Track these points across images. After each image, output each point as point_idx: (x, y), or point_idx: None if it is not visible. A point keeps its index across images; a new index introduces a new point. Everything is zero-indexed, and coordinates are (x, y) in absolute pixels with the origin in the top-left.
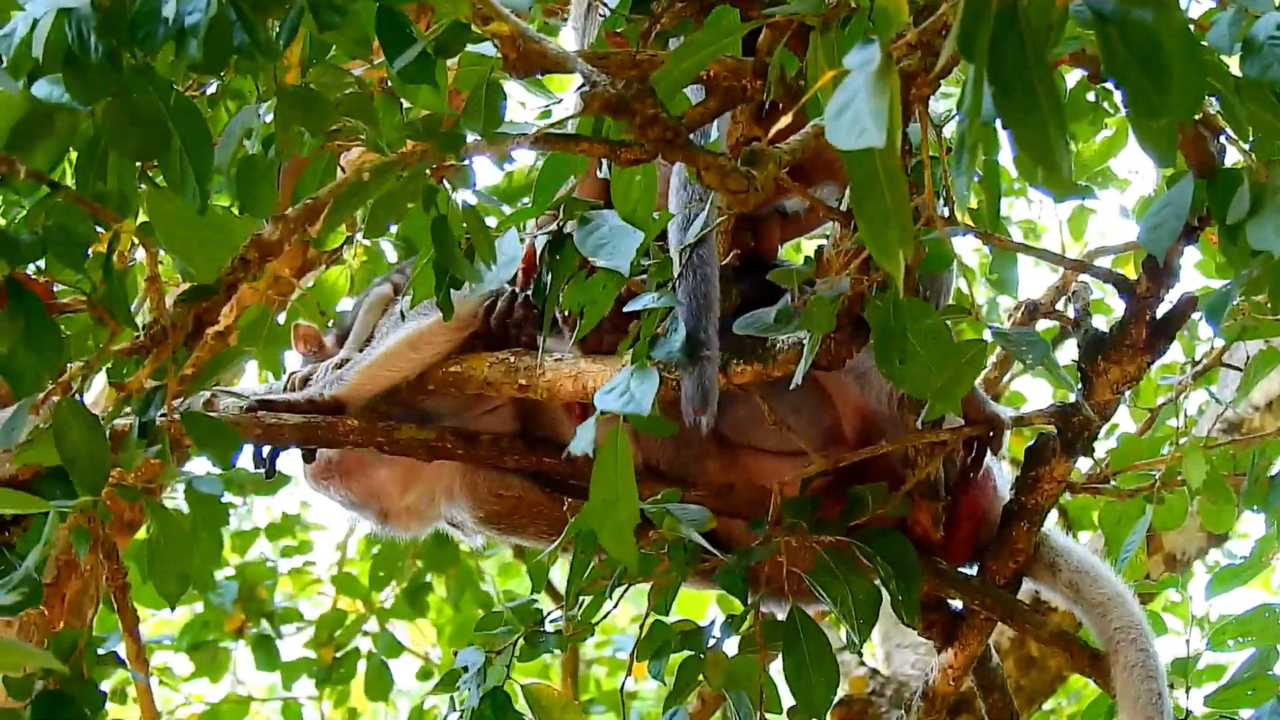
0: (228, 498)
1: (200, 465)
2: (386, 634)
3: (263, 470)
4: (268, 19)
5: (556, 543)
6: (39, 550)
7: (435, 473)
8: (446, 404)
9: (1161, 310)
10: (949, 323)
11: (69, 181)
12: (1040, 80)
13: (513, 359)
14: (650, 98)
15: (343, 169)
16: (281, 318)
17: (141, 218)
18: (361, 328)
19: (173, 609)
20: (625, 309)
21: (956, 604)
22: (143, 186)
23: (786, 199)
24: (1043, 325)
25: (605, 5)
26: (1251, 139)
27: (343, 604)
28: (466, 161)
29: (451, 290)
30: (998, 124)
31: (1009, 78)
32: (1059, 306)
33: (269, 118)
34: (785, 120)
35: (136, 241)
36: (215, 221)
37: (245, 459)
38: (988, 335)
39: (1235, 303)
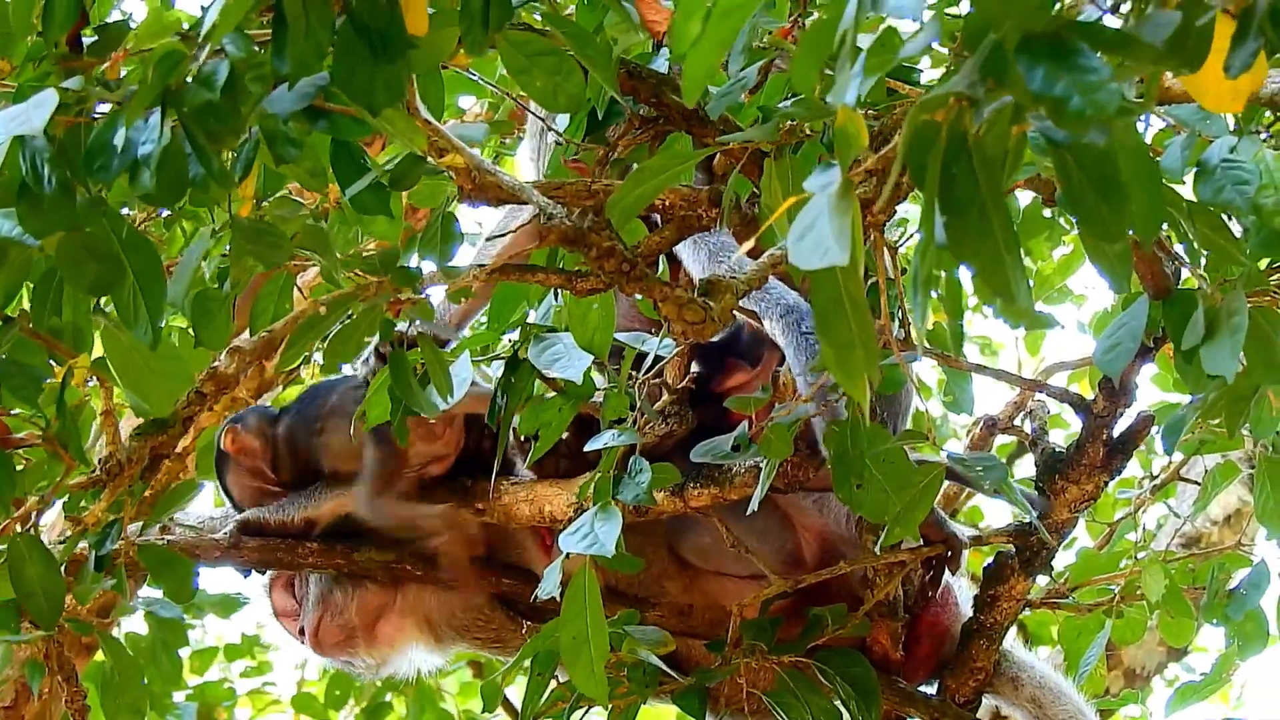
0: (185, 619)
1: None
2: None
3: (243, 572)
4: (222, 149)
5: (511, 663)
6: None
7: (414, 602)
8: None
9: (1119, 429)
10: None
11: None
12: (994, 208)
13: (469, 483)
14: (607, 229)
15: (300, 289)
16: None
17: (97, 351)
18: None
19: None
20: (586, 447)
21: None
22: (97, 319)
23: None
24: (1001, 440)
25: (558, 134)
26: (1204, 261)
27: None
28: (424, 294)
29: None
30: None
31: (960, 206)
32: (1017, 422)
33: (222, 244)
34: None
35: (92, 375)
36: (170, 355)
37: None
38: (945, 458)
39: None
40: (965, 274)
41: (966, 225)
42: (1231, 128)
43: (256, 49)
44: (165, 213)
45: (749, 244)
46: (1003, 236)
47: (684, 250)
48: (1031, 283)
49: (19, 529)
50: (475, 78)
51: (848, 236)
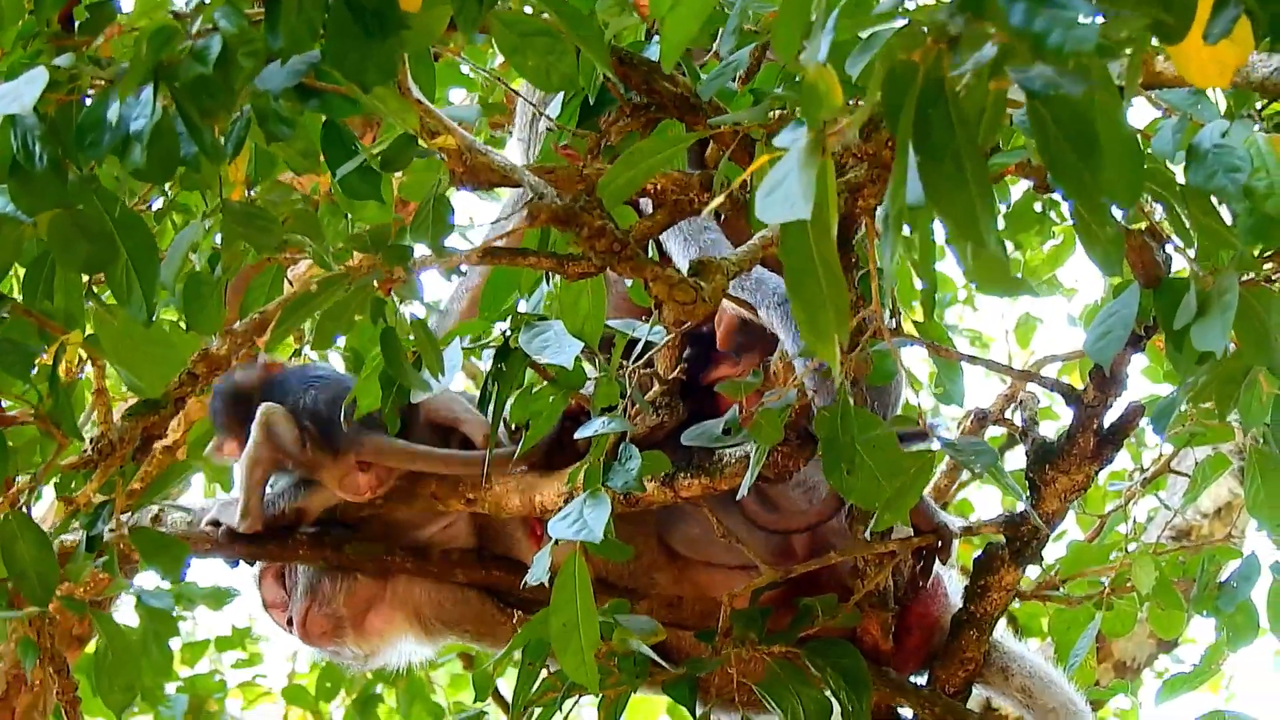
0: (176, 611)
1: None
2: None
3: (230, 563)
4: (213, 126)
5: (502, 652)
6: None
7: (405, 594)
8: (404, 519)
9: (1109, 419)
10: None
11: (16, 294)
12: (969, 156)
13: None
14: (598, 209)
15: (290, 282)
16: None
17: (89, 330)
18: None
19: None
20: (576, 435)
21: (907, 713)
22: (89, 303)
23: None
24: (992, 433)
25: (550, 119)
26: (1196, 246)
27: (293, 716)
28: (414, 274)
29: None
30: (938, 238)
31: (935, 151)
32: (1007, 414)
33: (214, 231)
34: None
35: (84, 355)
36: (162, 336)
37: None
38: (936, 445)
39: (1182, 409)
40: (947, 266)
41: (941, 171)
42: (1222, 111)
43: (248, 25)
44: (156, 205)
45: (720, 198)
46: (977, 185)
47: (674, 247)
48: (1020, 275)
49: (10, 509)
50: (466, 71)
51: (812, 189)
